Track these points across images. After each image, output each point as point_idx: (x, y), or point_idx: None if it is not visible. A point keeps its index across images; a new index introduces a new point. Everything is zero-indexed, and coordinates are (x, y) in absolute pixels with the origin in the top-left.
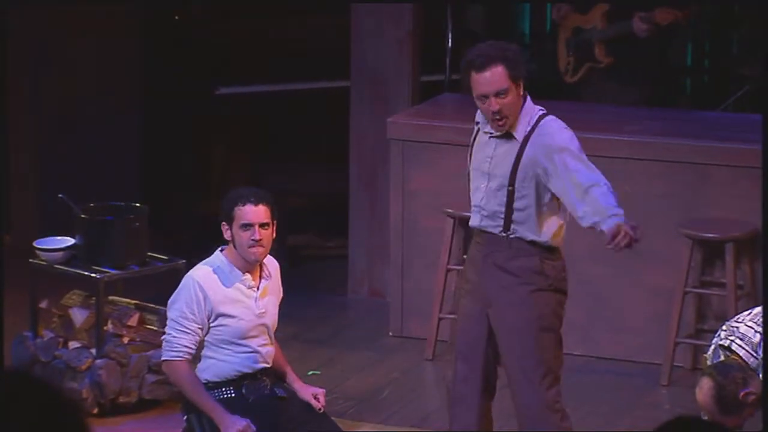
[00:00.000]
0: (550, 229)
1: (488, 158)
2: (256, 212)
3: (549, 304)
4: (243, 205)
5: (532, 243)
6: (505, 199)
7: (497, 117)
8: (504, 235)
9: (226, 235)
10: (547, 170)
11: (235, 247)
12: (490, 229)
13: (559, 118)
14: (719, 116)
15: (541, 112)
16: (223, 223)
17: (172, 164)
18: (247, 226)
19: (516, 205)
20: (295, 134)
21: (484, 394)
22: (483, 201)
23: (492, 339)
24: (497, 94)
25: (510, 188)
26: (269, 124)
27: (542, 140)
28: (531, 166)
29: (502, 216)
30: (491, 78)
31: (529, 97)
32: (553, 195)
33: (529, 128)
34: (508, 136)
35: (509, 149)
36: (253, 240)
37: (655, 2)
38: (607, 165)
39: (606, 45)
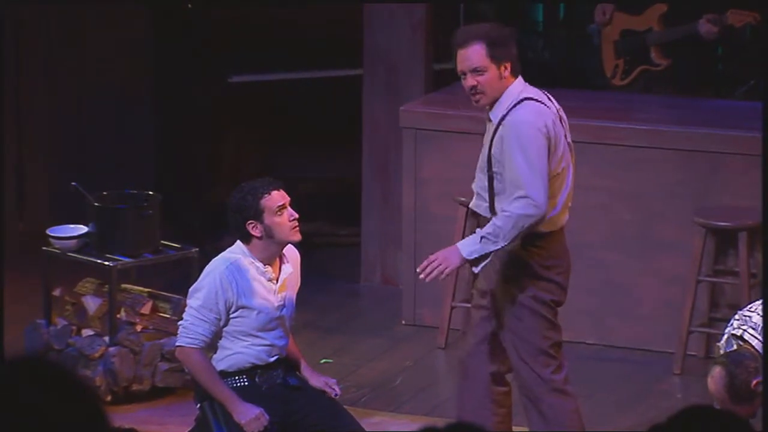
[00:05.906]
0: None
1: (483, 143)
2: (282, 194)
3: (529, 289)
4: (269, 193)
5: None
6: (486, 182)
7: (473, 92)
8: (490, 217)
9: (256, 232)
10: (502, 152)
11: (271, 237)
12: (480, 211)
13: (568, 106)
14: (732, 104)
15: (524, 96)
16: (250, 221)
17: (185, 152)
18: (282, 209)
19: (495, 187)
20: (308, 122)
21: (491, 375)
22: (474, 183)
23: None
24: (474, 71)
25: (489, 171)
26: (281, 111)
27: (508, 122)
28: (501, 147)
29: (487, 199)
30: (469, 55)
31: (520, 83)
32: None
33: (506, 111)
34: (490, 119)
35: (489, 132)
36: (293, 220)
37: (718, 3)
38: (618, 153)
39: (662, 47)
